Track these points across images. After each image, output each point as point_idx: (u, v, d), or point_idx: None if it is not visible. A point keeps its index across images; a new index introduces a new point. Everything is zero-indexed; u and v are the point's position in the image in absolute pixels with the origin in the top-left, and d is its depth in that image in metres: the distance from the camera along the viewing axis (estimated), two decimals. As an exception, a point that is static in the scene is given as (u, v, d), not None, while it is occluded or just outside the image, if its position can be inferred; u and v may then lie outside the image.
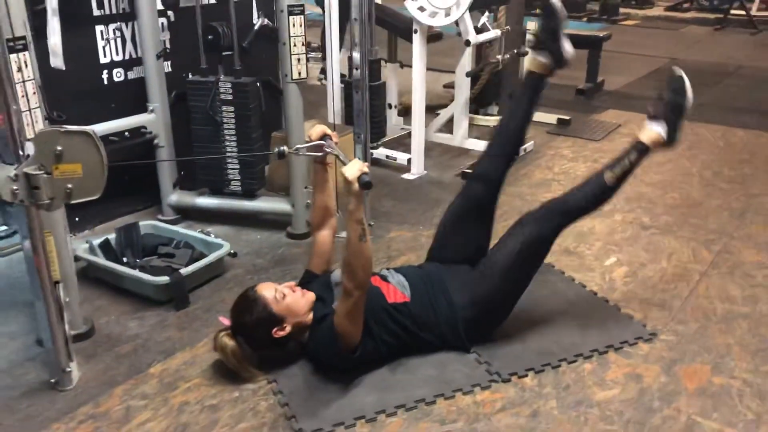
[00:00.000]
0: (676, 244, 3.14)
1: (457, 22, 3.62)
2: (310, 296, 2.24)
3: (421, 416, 2.06)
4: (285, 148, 2.24)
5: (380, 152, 4.03)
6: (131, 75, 3.26)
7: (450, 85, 5.42)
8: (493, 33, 3.85)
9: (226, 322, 2.21)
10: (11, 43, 1.99)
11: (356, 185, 1.96)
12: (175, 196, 3.30)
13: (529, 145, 4.29)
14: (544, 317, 2.53)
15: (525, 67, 2.32)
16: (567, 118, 4.89)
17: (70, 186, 1.93)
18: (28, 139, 1.95)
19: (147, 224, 3.03)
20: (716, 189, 3.78)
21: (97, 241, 2.84)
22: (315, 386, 2.17)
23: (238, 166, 3.18)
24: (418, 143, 3.88)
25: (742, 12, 8.99)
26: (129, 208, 3.40)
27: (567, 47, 2.34)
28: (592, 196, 2.37)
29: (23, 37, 2.07)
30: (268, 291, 2.18)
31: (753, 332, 2.47)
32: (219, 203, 3.27)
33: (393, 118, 4.54)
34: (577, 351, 2.34)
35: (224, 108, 3.07)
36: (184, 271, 2.64)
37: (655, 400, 2.13)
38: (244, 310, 2.16)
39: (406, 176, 3.94)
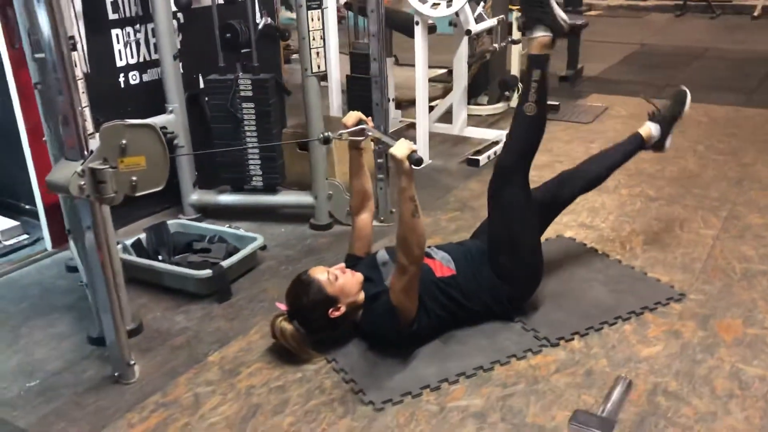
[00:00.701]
0: (685, 212, 3.29)
1: (457, 13, 3.72)
2: (360, 276, 2.31)
3: (482, 382, 2.14)
4: (329, 133, 2.31)
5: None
6: (146, 77, 3.29)
7: (438, 79, 5.54)
8: (491, 21, 3.97)
9: (282, 307, 2.27)
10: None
11: (407, 163, 2.04)
12: (195, 195, 3.33)
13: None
14: (577, 285, 2.64)
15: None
16: (556, 103, 5.04)
17: (134, 179, 1.96)
18: (90, 134, 1.99)
19: (174, 223, 3.06)
20: (710, 161, 3.96)
21: (129, 242, 2.87)
22: (374, 362, 2.24)
23: (259, 162, 3.23)
24: (423, 133, 3.97)
25: (701, -3, 9.32)
26: (148, 210, 3.42)
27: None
28: (528, 129, 2.43)
29: (72, 37, 2.10)
30: (321, 274, 2.25)
31: (773, 286, 2.62)
32: (242, 199, 3.32)
33: (392, 111, 4.62)
34: (615, 314, 2.46)
35: (244, 105, 3.12)
36: (225, 263, 2.69)
37: (698, 352, 2.25)
38: (300, 293, 2.22)
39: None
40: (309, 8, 2.91)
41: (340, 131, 2.32)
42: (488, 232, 2.45)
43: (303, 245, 3.13)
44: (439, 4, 3.62)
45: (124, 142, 1.92)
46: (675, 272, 2.75)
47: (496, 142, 4.12)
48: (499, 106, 5.04)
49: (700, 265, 2.79)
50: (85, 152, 1.98)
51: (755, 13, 8.80)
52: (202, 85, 3.49)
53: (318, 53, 2.99)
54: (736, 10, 9.14)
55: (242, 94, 3.11)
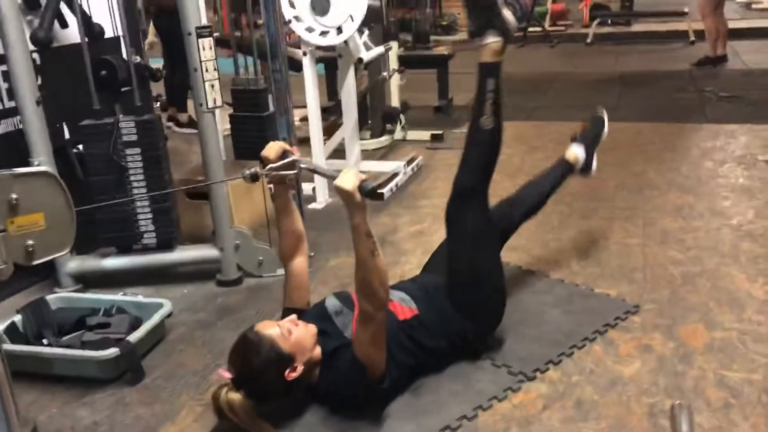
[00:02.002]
0: (604, 224, 3.25)
1: (346, 41, 3.52)
2: (313, 329, 1.98)
3: (470, 433, 1.88)
4: (256, 169, 1.98)
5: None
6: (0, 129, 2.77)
7: (305, 119, 5.30)
8: (379, 49, 3.80)
9: (227, 374, 1.88)
10: None
11: (358, 195, 1.76)
12: (74, 263, 2.82)
13: (419, 160, 4.27)
14: (531, 311, 2.47)
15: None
16: (439, 132, 4.96)
17: (30, 242, 1.52)
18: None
19: (54, 297, 2.55)
20: (606, 173, 3.99)
21: (0, 327, 2.33)
22: (341, 429, 1.91)
23: (151, 215, 2.79)
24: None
25: (539, 29, 9.84)
26: (15, 286, 2.85)
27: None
28: (484, 143, 2.22)
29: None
30: (271, 329, 1.90)
31: (715, 287, 2.59)
32: (131, 261, 2.85)
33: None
34: (580, 336, 2.30)
35: (129, 151, 2.69)
36: (132, 337, 2.24)
37: (676, 364, 2.14)
38: (250, 354, 1.85)
39: (313, 206, 3.73)
40: (200, 36, 2.57)
41: (270, 165, 2.00)
42: (448, 264, 2.20)
43: (214, 306, 2.73)
44: (327, 32, 3.39)
45: (14, 196, 1.48)
46: (620, 285, 2.65)
47: (396, 174, 3.93)
48: (383, 140, 4.88)
49: (641, 275, 2.72)
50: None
51: (588, 40, 9.42)
52: (67, 135, 3.01)
53: (213, 86, 2.65)
54: (571, 39, 9.75)
55: (125, 139, 2.68)
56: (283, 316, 2.12)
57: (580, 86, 6.74)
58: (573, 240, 3.11)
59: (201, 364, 2.31)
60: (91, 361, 2.17)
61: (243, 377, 1.85)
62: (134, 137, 2.68)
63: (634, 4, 10.06)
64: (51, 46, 2.82)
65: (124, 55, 3.30)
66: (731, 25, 7.42)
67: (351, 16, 3.37)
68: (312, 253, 2.99)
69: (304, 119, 4.87)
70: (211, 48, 2.62)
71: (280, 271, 2.93)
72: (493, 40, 2.11)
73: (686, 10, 8.76)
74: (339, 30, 3.41)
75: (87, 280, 2.87)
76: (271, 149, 2.04)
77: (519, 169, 4.10)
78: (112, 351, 2.17)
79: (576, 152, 2.77)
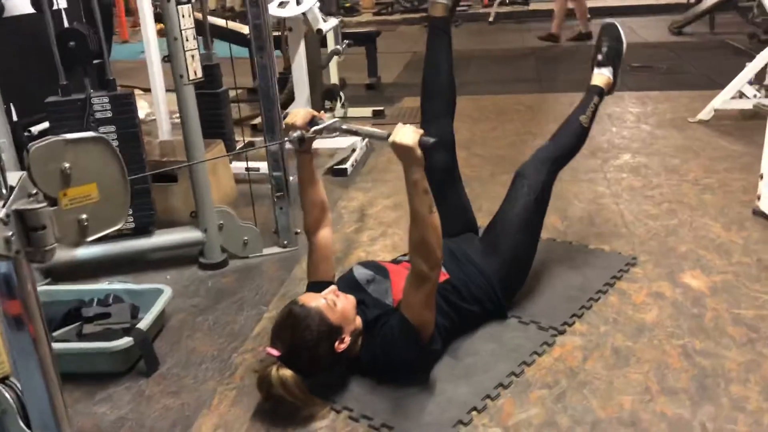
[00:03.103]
0: (572, 187, 3.31)
1: (304, 13, 3.41)
2: (353, 299, 1.91)
3: (523, 389, 1.88)
4: (302, 132, 1.88)
5: (237, 165, 3.61)
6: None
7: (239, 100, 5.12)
8: (334, 21, 3.70)
9: (275, 352, 1.77)
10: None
11: (419, 150, 1.71)
12: (41, 255, 2.57)
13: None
14: (538, 271, 2.47)
15: (431, 13, 2.28)
16: (380, 108, 4.93)
17: (84, 217, 1.37)
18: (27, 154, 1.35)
19: (32, 293, 2.32)
20: (522, 139, 4.12)
21: (-18, 327, 2.09)
22: (395, 398, 1.86)
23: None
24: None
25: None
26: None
27: None
28: (575, 138, 2.41)
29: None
30: (316, 301, 1.82)
31: (698, 237, 2.73)
32: (107, 249, 2.63)
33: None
34: (593, 289, 2.36)
35: (103, 129, 2.49)
36: (143, 324, 2.07)
37: (691, 308, 2.23)
38: (301, 327, 1.76)
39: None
40: (179, 2, 2.40)
41: (315, 127, 1.90)
42: (502, 210, 2.30)
43: (206, 290, 2.57)
44: (287, 2, 3.27)
45: (66, 165, 1.32)
46: (610, 240, 2.74)
47: (354, 149, 3.87)
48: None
49: (626, 230, 2.82)
50: (3, 189, 1.34)
51: (490, 19, 9.66)
52: (15, 117, 2.74)
53: (193, 57, 2.49)
54: (473, 18, 9.95)
55: (99, 116, 2.47)
56: (311, 290, 2.04)
57: (498, 62, 6.91)
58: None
59: (215, 349, 2.17)
60: (103, 354, 1.99)
61: (294, 352, 1.76)
62: (109, 114, 2.47)
63: (530, -16, 10.40)
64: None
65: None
66: (628, 2, 7.84)
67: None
68: (298, 230, 2.89)
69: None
70: (190, 16, 2.46)
71: (267, 251, 2.83)
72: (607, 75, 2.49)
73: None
74: (298, 1, 3.29)
75: (56, 273, 2.63)
76: (298, 115, 1.94)
77: (471, 141, 4.15)
78: (126, 340, 2.00)
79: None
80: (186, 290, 2.57)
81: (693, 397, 1.81)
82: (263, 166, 3.65)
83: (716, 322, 2.14)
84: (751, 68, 4.19)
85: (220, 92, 3.46)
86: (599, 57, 2.54)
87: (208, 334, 2.26)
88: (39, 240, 1.28)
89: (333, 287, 1.91)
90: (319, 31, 3.47)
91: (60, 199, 1.34)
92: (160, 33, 3.03)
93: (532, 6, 10.23)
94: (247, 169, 3.61)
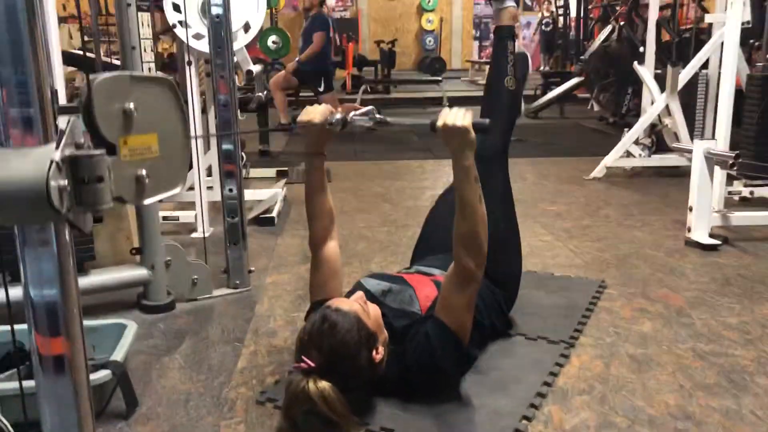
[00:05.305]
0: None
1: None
2: (378, 309, 1.73)
3: (561, 396, 1.78)
4: (340, 115, 1.73)
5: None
6: None
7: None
8: (258, 66, 3.57)
9: (311, 363, 1.52)
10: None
11: (473, 132, 1.62)
12: (-50, 298, 2.12)
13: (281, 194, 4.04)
14: (524, 297, 2.39)
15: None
16: (284, 169, 4.79)
17: (144, 173, 1.12)
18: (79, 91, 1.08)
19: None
20: None
21: None
22: (435, 415, 1.67)
23: (64, 229, 2.22)
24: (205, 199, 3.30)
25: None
26: None
27: None
28: (509, 104, 2.23)
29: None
30: (350, 304, 1.62)
31: (648, 262, 2.82)
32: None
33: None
34: (579, 309, 2.34)
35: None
36: (117, 356, 1.73)
37: (679, 318, 2.27)
38: (340, 332, 1.54)
39: (196, 235, 3.29)
40: (140, 9, 2.19)
41: (353, 113, 1.75)
42: None
43: (160, 332, 2.23)
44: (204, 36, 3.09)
45: (131, 106, 1.09)
46: (571, 269, 2.76)
47: (276, 200, 3.68)
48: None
49: (581, 261, 2.87)
50: (53, 132, 1.06)
51: (356, 104, 9.93)
52: None
53: (150, 69, 2.26)
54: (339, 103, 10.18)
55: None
56: (312, 312, 1.82)
57: (375, 139, 7.05)
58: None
59: (199, 386, 1.86)
60: (75, 391, 1.62)
61: (334, 361, 1.53)
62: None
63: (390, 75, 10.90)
64: None
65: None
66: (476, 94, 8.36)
67: (247, 24, 3.14)
68: (252, 269, 2.64)
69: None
70: (149, 25, 2.25)
71: (217, 292, 2.55)
72: (511, 4, 2.17)
73: (441, 78, 9.74)
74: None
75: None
76: (316, 112, 1.79)
77: (380, 196, 4.12)
78: (104, 373, 1.65)
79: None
80: (137, 333, 2.21)
81: (729, 390, 1.79)
82: (182, 215, 3.38)
83: (709, 328, 2.18)
84: (634, 131, 4.59)
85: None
86: None
87: (183, 373, 1.94)
88: (93, 195, 1.04)
89: (360, 293, 1.72)
90: (249, 72, 3.32)
91: (120, 147, 1.11)
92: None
93: (394, 94, 10.68)
94: (164, 218, 3.33)
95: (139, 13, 2.20)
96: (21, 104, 0.98)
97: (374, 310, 1.68)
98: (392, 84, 10.75)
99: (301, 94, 8.09)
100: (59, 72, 2.17)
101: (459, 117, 1.62)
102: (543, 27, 13.98)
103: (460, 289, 1.66)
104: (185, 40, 3.08)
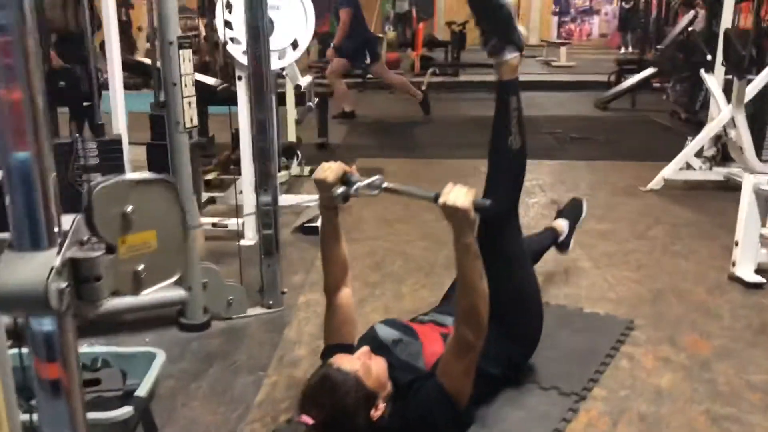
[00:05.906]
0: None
1: (283, 68, 3.35)
2: (383, 362, 1.80)
3: (560, 458, 1.80)
4: (345, 188, 1.79)
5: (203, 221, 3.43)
6: None
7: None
8: (308, 78, 3.65)
9: (309, 420, 1.62)
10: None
11: (473, 212, 1.65)
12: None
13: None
14: (547, 335, 2.41)
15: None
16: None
17: (141, 268, 1.21)
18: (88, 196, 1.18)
19: None
20: None
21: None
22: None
23: (108, 253, 2.38)
24: (252, 206, 3.42)
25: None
26: None
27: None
28: (514, 164, 2.13)
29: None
30: (352, 363, 1.70)
31: (684, 301, 2.77)
32: (81, 308, 2.39)
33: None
34: (601, 353, 2.34)
35: (86, 177, 2.30)
36: (141, 391, 1.86)
37: (701, 372, 2.24)
38: (339, 393, 1.63)
39: (244, 243, 3.43)
40: (181, 47, 2.29)
41: (356, 184, 1.81)
42: (492, 291, 2.10)
43: (192, 353, 2.38)
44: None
45: (130, 209, 1.18)
46: (602, 304, 2.75)
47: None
48: (281, 175, 4.65)
49: (614, 294, 2.84)
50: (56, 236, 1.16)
51: (423, 88, 9.85)
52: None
53: (190, 104, 2.36)
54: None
55: (85, 162, 2.28)
56: (326, 355, 1.91)
57: (441, 127, 7.04)
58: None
59: (218, 418, 1.99)
60: (100, 426, 1.77)
61: (331, 421, 1.62)
62: (96, 160, 2.29)
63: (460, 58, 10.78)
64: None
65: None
66: (551, 78, 8.21)
67: (296, 41, 3.21)
68: (285, 290, 2.75)
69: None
70: (190, 61, 2.34)
71: (251, 311, 2.67)
72: (512, 56, 2.02)
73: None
74: (280, 55, 3.22)
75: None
76: (330, 170, 1.85)
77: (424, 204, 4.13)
78: (126, 410, 1.79)
79: (561, 223, 2.90)
80: (170, 354, 2.33)
81: None
82: (231, 222, 3.52)
83: (731, 387, 2.15)
84: (696, 143, 4.43)
85: (192, 144, 3.30)
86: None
87: (205, 403, 2.07)
88: (92, 293, 1.14)
89: (366, 348, 1.79)
90: (298, 86, 3.40)
91: (119, 246, 1.19)
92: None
93: (462, 77, 10.57)
94: (214, 224, 3.47)
95: (181, 51, 2.30)
96: (27, 208, 1.07)
97: (378, 365, 1.75)
98: (461, 67, 10.62)
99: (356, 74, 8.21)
100: None
101: (460, 197, 1.64)
102: (624, 2, 13.47)
103: (458, 356, 1.71)
104: (235, 57, 3.20)
